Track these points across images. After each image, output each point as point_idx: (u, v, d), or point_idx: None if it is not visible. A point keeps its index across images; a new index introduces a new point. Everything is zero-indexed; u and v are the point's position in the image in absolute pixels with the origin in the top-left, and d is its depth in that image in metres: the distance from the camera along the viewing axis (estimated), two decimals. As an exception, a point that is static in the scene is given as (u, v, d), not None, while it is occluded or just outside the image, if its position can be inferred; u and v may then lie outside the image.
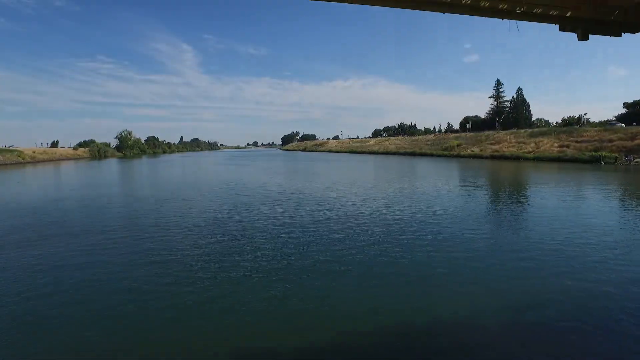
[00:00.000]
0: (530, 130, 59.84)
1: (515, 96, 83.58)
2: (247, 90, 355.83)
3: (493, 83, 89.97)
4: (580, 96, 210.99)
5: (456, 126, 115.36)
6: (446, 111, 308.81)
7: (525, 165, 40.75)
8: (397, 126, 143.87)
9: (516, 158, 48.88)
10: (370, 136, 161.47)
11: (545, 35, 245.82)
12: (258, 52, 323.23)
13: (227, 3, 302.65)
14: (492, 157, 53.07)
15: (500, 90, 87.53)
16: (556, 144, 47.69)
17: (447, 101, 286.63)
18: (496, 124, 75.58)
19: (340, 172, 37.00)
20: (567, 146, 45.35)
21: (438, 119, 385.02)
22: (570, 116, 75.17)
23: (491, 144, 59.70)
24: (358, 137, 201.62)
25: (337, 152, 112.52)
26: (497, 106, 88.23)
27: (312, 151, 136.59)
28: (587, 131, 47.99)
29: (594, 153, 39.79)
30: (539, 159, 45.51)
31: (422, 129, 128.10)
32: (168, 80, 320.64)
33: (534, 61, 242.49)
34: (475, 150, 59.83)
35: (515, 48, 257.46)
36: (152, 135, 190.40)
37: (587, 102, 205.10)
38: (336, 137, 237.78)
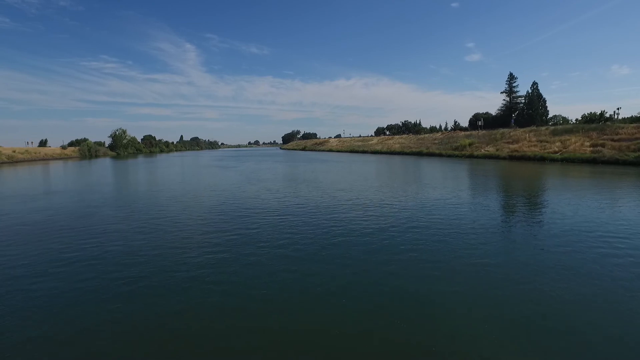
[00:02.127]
0: (553, 127, 53.29)
1: (530, 91, 76.95)
2: (250, 89, 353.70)
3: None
4: (582, 96, 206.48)
5: (463, 124, 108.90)
6: (447, 110, 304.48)
7: (552, 168, 34.51)
8: (400, 124, 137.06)
9: (540, 159, 42.52)
10: (373, 135, 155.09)
11: (547, 35, 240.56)
12: (260, 51, 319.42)
13: (230, 2, 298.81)
14: (511, 158, 46.74)
15: (514, 84, 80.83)
16: (587, 143, 41.28)
17: (449, 100, 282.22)
18: (512, 120, 68.98)
19: (338, 177, 30.83)
20: (602, 145, 38.93)
21: (440, 118, 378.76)
22: (591, 112, 68.30)
23: (508, 142, 53.36)
24: (360, 136, 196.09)
25: (338, 151, 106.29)
26: (509, 102, 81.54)
27: (312, 150, 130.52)
28: (622, 128, 41.56)
29: (640, 154, 33.44)
30: (569, 160, 39.18)
31: (428, 127, 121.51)
32: (171, 79, 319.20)
33: (536, 61, 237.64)
34: (491, 149, 53.48)
35: (518, 48, 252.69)
36: (155, 134, 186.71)
37: (589, 101, 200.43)
38: (338, 136, 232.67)
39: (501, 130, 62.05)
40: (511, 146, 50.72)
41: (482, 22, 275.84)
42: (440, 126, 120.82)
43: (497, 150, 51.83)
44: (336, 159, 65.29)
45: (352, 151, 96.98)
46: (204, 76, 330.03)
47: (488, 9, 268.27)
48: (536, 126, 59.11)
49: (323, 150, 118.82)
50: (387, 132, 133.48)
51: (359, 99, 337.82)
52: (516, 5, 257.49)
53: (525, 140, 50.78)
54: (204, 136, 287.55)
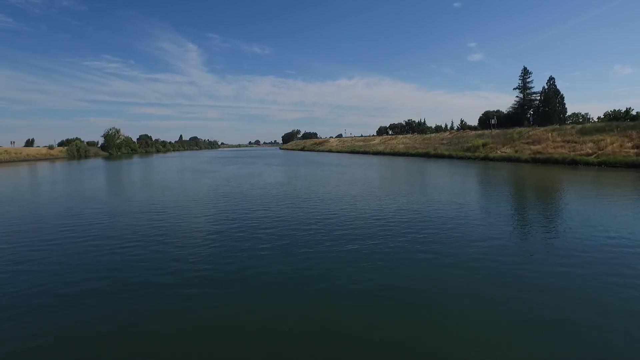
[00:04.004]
0: (580, 125, 47.12)
1: (546, 87, 70.75)
2: (251, 89, 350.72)
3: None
4: (584, 95, 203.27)
5: (470, 122, 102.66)
6: (449, 110, 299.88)
7: (589, 174, 28.67)
8: (404, 123, 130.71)
9: (571, 162, 36.46)
10: (375, 134, 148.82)
11: (549, 35, 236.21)
12: (263, 51, 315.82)
13: (233, 2, 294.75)
14: (534, 161, 40.67)
15: (528, 80, 74.65)
16: (628, 144, 35.20)
17: (451, 100, 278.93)
18: (530, 118, 62.64)
19: (335, 189, 24.95)
20: (650, 146, 32.90)
21: (443, 117, 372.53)
22: (615, 110, 61.98)
23: (528, 143, 47.30)
24: (362, 136, 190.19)
25: (338, 151, 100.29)
26: (523, 99, 75.36)
27: (311, 150, 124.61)
28: (669, 126, 35.49)
29: None
30: (608, 164, 33.15)
31: (433, 126, 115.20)
32: (173, 79, 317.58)
33: (538, 60, 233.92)
34: (509, 151, 47.42)
35: (520, 47, 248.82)
36: (157, 134, 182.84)
37: (591, 101, 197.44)
38: (339, 136, 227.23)
39: (518, 129, 55.91)
40: (533, 147, 44.65)
41: (484, 21, 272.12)
42: (446, 125, 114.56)
43: (517, 151, 45.77)
44: (335, 161, 59.35)
45: (352, 152, 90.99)
46: (206, 76, 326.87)
47: (490, 8, 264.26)
48: (559, 124, 52.96)
49: (322, 151, 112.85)
50: (390, 132, 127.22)
51: (360, 99, 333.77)
52: (518, 5, 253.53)
53: (549, 140, 44.70)
54: (206, 136, 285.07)
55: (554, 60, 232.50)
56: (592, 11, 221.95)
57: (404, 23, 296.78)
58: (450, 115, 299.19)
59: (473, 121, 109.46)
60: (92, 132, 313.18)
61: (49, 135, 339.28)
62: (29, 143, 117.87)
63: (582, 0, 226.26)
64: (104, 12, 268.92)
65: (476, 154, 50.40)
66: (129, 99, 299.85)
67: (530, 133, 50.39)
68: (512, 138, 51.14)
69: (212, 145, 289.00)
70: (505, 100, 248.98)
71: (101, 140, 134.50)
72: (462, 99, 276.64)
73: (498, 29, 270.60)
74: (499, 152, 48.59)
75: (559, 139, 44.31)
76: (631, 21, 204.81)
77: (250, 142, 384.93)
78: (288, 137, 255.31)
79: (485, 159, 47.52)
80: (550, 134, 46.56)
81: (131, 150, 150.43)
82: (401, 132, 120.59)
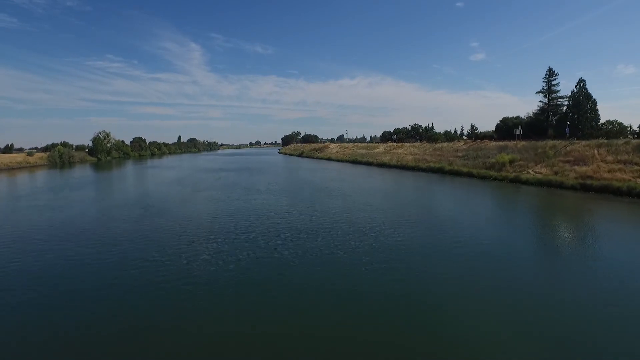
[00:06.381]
0: (638, 141, 38.26)
1: (575, 90, 61.86)
2: (254, 88, 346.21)
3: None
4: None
5: (480, 126, 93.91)
6: (450, 110, 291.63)
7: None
8: (409, 128, 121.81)
9: (641, 195, 27.69)
10: (378, 137, 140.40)
11: (551, 35, 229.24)
12: (265, 50, 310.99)
13: (235, 2, 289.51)
14: (584, 189, 31.85)
15: (553, 82, 65.73)
16: None
17: (453, 100, 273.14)
18: (566, 130, 53.66)
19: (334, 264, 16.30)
20: None
21: (443, 117, 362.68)
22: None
23: (568, 161, 38.54)
24: (364, 137, 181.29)
25: (338, 160, 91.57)
26: (548, 104, 66.47)
27: (309, 157, 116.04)
28: None
29: None
30: (699, 202, 24.46)
31: (442, 132, 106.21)
32: (175, 78, 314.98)
33: (540, 60, 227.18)
34: (545, 171, 38.63)
35: (522, 47, 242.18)
36: (158, 133, 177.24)
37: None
38: (340, 137, 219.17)
39: (550, 141, 47.16)
40: (578, 169, 35.84)
41: (486, 21, 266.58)
42: (456, 131, 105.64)
43: (557, 173, 37.00)
44: (337, 183, 50.75)
45: (354, 161, 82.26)
46: (208, 75, 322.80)
47: (492, 8, 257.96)
48: (606, 139, 44.08)
49: (322, 158, 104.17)
50: (394, 137, 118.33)
51: (362, 98, 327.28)
52: (520, 5, 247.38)
53: (597, 160, 35.91)
54: (207, 136, 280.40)
55: (557, 60, 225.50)
56: (595, 11, 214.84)
57: (407, 23, 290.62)
58: (451, 115, 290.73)
59: (483, 126, 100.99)
60: (93, 133, 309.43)
61: (48, 135, 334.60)
62: (8, 148, 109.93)
63: (584, 0, 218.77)
64: (107, 12, 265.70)
65: (503, 174, 41.66)
66: (131, 99, 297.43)
67: (568, 148, 41.58)
68: (546, 154, 42.31)
69: (211, 146, 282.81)
70: (506, 100, 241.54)
71: (91, 144, 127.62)
72: (464, 98, 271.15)
73: (500, 29, 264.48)
74: (531, 172, 39.84)
75: (609, 157, 35.53)
76: (634, 21, 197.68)
77: (250, 143, 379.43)
78: (287, 140, 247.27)
79: (516, 180, 38.77)
80: (596, 151, 37.78)
81: (123, 154, 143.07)
82: (407, 138, 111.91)
